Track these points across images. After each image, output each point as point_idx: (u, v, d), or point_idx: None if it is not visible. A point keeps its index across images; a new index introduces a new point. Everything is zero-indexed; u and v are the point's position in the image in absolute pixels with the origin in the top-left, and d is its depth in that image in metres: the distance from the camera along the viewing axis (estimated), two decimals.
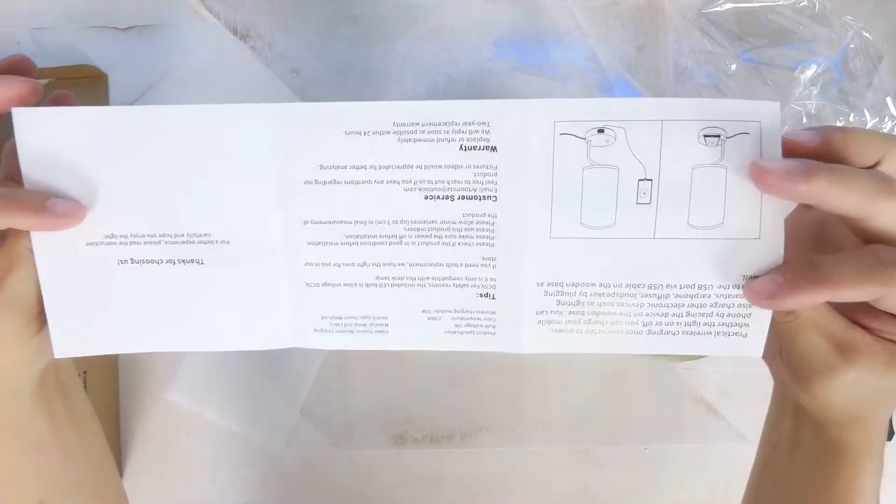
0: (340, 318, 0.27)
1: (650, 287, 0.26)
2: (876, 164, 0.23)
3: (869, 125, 0.49)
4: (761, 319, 0.25)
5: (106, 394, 0.46)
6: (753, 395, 0.45)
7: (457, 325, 0.27)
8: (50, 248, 0.25)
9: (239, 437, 0.48)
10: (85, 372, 0.45)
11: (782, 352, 0.26)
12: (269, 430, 0.48)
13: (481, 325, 0.27)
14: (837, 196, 0.22)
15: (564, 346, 0.26)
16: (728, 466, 0.48)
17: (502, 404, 0.48)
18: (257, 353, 0.48)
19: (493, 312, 0.27)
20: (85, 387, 0.44)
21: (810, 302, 0.23)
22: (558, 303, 0.26)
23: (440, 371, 0.48)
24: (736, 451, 0.48)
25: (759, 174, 0.23)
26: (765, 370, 0.29)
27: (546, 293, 0.26)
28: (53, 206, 0.24)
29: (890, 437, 0.46)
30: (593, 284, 0.26)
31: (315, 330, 0.27)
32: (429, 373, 0.48)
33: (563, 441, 0.48)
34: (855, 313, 0.25)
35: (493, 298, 0.26)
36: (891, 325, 0.24)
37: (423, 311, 0.27)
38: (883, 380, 0.24)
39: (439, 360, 0.48)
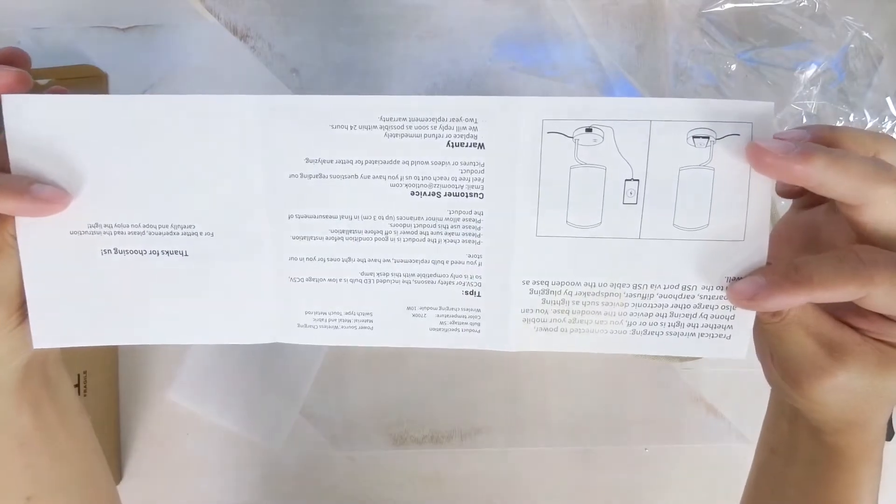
0: (324, 313, 0.27)
1: (635, 287, 0.26)
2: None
3: (869, 125, 0.49)
4: (745, 321, 0.25)
5: (106, 394, 0.46)
6: (753, 395, 0.45)
7: (441, 323, 0.27)
8: (33, 236, 0.25)
9: (239, 437, 0.48)
10: (85, 372, 0.45)
11: (772, 354, 0.26)
12: (269, 430, 0.48)
13: (466, 323, 0.27)
14: (834, 178, 0.22)
15: (549, 344, 0.26)
16: (728, 466, 0.48)
17: (502, 404, 0.48)
18: (257, 353, 0.48)
19: (478, 310, 0.27)
20: (85, 387, 0.44)
21: (791, 303, 0.23)
22: (543, 301, 0.26)
23: (440, 371, 0.48)
24: (736, 451, 0.48)
25: (755, 153, 0.23)
26: None
27: (531, 291, 0.26)
28: (37, 190, 0.24)
29: (889, 438, 0.46)
30: (578, 283, 0.26)
31: (299, 325, 0.27)
32: (429, 373, 0.48)
33: (563, 441, 0.48)
34: (843, 313, 0.24)
35: (479, 296, 0.26)
36: (878, 324, 0.24)
37: (408, 308, 0.27)
38: (875, 380, 0.23)
39: (439, 361, 0.48)
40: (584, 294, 0.26)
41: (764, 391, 0.31)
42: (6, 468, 0.29)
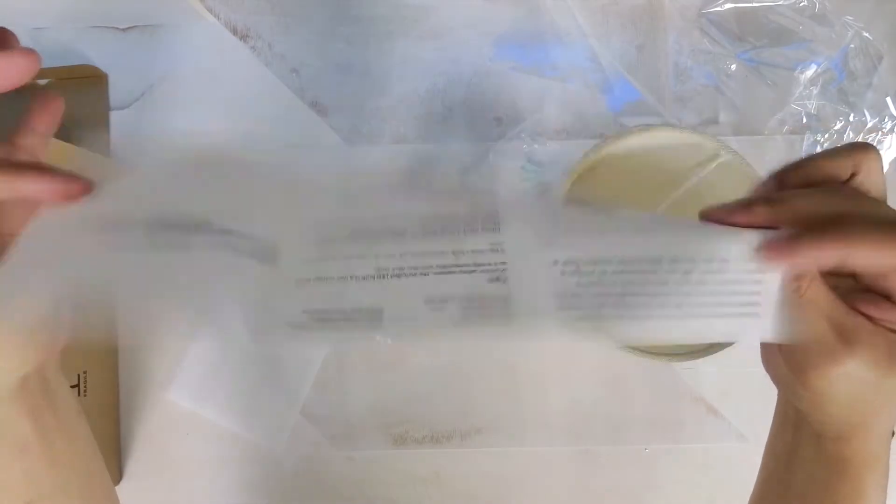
0: (326, 311, 0.25)
1: (672, 261, 0.23)
2: (853, 176, 0.24)
3: (869, 125, 0.49)
4: (772, 296, 0.24)
5: (106, 394, 0.46)
6: (753, 395, 0.45)
7: (465, 315, 0.24)
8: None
9: (239, 437, 0.48)
10: (85, 372, 0.45)
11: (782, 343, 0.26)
12: (269, 430, 0.48)
13: (494, 315, 0.24)
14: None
15: (593, 334, 0.24)
16: (728, 466, 0.48)
17: (502, 404, 0.48)
18: (257, 354, 0.48)
19: (506, 298, 0.24)
20: (85, 387, 0.44)
21: (821, 259, 0.22)
22: (577, 284, 0.24)
23: (440, 371, 0.48)
24: (736, 451, 0.48)
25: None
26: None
27: (563, 273, 0.24)
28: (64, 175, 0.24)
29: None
30: (611, 261, 0.24)
31: (293, 325, 0.25)
32: (429, 373, 0.48)
33: (563, 441, 0.48)
34: (856, 301, 0.24)
35: (505, 282, 0.24)
36: (892, 312, 0.23)
37: (427, 302, 0.24)
38: (883, 375, 0.23)
39: (439, 361, 0.48)
40: (620, 273, 0.23)
41: (764, 391, 0.31)
42: (6, 474, 0.28)
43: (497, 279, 0.24)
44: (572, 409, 0.48)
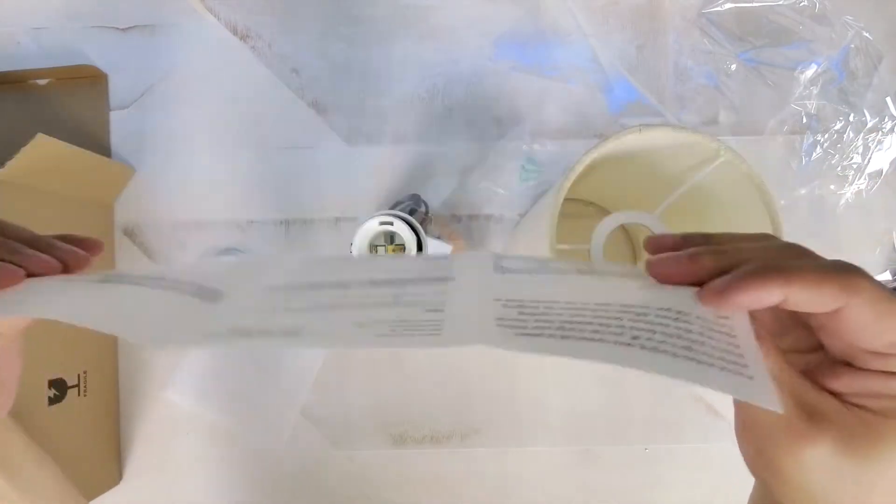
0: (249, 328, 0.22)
1: (623, 306, 0.21)
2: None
3: (869, 125, 0.49)
4: (758, 357, 0.20)
5: (106, 394, 0.46)
6: None
7: (392, 330, 0.22)
8: None
9: (239, 437, 0.48)
10: (85, 372, 0.45)
11: (743, 421, 0.23)
12: (269, 430, 0.48)
13: (424, 330, 0.22)
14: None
15: (536, 346, 0.21)
16: (728, 466, 0.48)
17: (502, 404, 0.48)
18: (257, 355, 0.48)
19: (441, 321, 0.22)
20: (85, 387, 0.44)
21: (762, 296, 0.20)
22: (520, 313, 0.22)
23: (440, 372, 0.48)
24: (736, 451, 0.48)
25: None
26: None
27: (505, 306, 0.22)
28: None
29: None
30: (558, 301, 0.22)
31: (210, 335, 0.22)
32: (428, 374, 0.48)
33: (563, 441, 0.48)
34: (817, 375, 0.22)
35: (441, 311, 0.22)
36: (855, 380, 0.21)
37: (355, 324, 0.22)
38: (860, 462, 0.20)
39: (439, 362, 0.48)
40: (569, 309, 0.22)
41: None
42: None
43: (434, 310, 0.22)
44: (572, 409, 0.48)
